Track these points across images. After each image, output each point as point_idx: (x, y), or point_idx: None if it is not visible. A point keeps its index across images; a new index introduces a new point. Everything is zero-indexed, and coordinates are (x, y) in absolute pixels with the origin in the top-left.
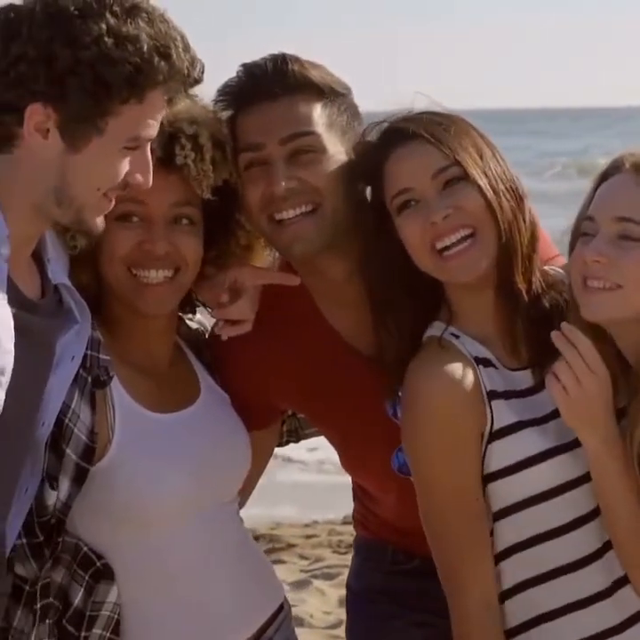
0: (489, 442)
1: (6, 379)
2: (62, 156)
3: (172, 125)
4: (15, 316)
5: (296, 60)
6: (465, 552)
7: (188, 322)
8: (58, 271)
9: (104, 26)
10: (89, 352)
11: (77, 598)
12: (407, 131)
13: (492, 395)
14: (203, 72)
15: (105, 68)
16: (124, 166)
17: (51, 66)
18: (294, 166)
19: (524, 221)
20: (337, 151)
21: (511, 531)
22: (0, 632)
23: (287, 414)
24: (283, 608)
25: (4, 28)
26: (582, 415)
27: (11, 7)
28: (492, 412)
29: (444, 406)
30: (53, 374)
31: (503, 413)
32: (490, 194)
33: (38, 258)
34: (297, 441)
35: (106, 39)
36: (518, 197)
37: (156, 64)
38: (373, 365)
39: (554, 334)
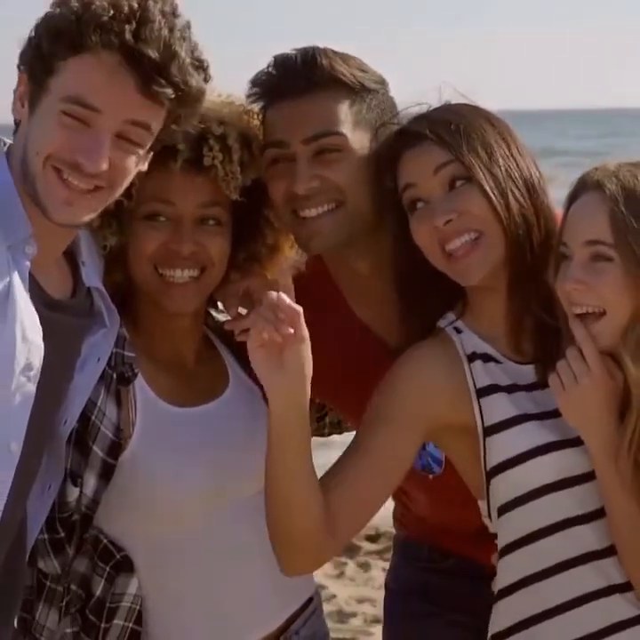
0: (486, 436)
1: (35, 373)
2: (26, 122)
3: (201, 126)
4: (38, 314)
5: (326, 54)
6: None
7: (214, 313)
8: (91, 274)
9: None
10: (114, 349)
11: (99, 589)
12: (415, 133)
13: (489, 390)
14: (167, 58)
15: (40, 26)
16: (60, 133)
17: (28, 41)
18: (318, 165)
19: (537, 219)
20: (363, 149)
21: (515, 525)
22: (22, 622)
23: (329, 407)
24: (312, 601)
25: None
26: (578, 412)
27: None
28: (480, 408)
29: (408, 387)
30: (78, 374)
31: (501, 407)
32: (494, 196)
33: (73, 260)
34: (340, 433)
35: (66, 5)
36: (532, 194)
37: (73, 20)
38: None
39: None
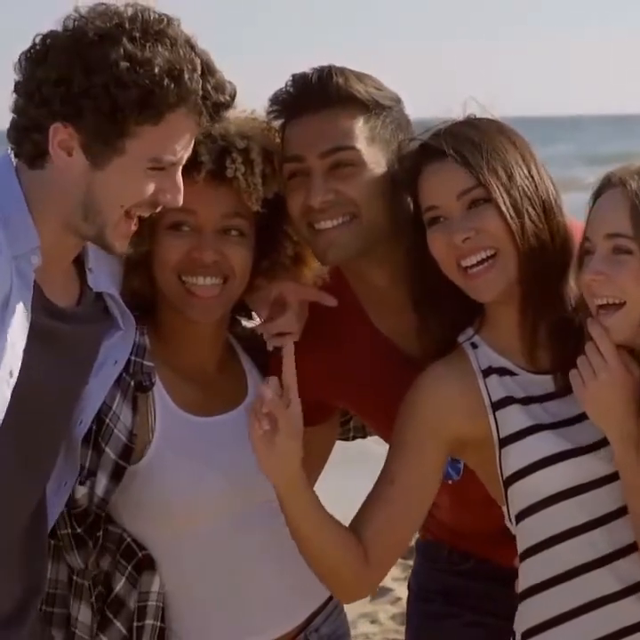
0: (501, 447)
1: (13, 380)
2: (88, 172)
3: (224, 139)
4: (39, 323)
5: (341, 72)
6: (369, 495)
7: (243, 322)
8: (101, 280)
9: (121, 51)
10: (134, 358)
11: (118, 586)
12: (438, 149)
13: (505, 402)
14: (233, 97)
15: (117, 90)
16: (149, 186)
17: (68, 88)
18: (333, 179)
19: (553, 239)
20: (377, 164)
21: (532, 531)
22: (65, 619)
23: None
24: (332, 599)
25: (35, 53)
26: (598, 407)
27: (49, 33)
28: (497, 420)
29: (425, 407)
30: (94, 376)
31: (516, 418)
32: (511, 217)
33: (82, 267)
34: (364, 437)
35: (120, 63)
36: (548, 215)
37: (165, 86)
38: (418, 367)
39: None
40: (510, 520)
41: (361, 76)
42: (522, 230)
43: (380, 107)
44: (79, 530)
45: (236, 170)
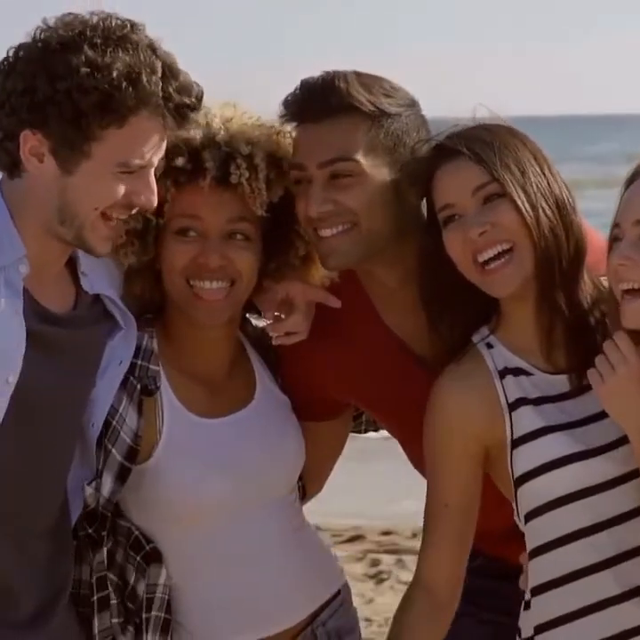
0: (513, 448)
1: (9, 388)
2: (59, 177)
3: (229, 145)
4: (33, 329)
5: (345, 79)
6: (426, 531)
7: (254, 321)
8: (97, 283)
9: (82, 57)
10: (140, 362)
11: (131, 578)
12: (451, 148)
13: (518, 403)
14: (199, 98)
15: (79, 95)
16: (120, 188)
17: (33, 96)
18: (332, 189)
19: (567, 236)
20: (379, 173)
21: (539, 532)
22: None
23: None
24: (340, 594)
25: (7, 65)
26: (617, 401)
27: (21, 45)
28: (511, 421)
29: (447, 414)
30: (101, 378)
31: (528, 419)
32: (526, 210)
33: (76, 272)
34: (376, 430)
35: (81, 69)
36: (562, 212)
37: (123, 90)
38: (430, 366)
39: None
40: (519, 519)
41: (368, 82)
42: (537, 224)
43: (385, 115)
44: (90, 530)
45: (240, 175)
